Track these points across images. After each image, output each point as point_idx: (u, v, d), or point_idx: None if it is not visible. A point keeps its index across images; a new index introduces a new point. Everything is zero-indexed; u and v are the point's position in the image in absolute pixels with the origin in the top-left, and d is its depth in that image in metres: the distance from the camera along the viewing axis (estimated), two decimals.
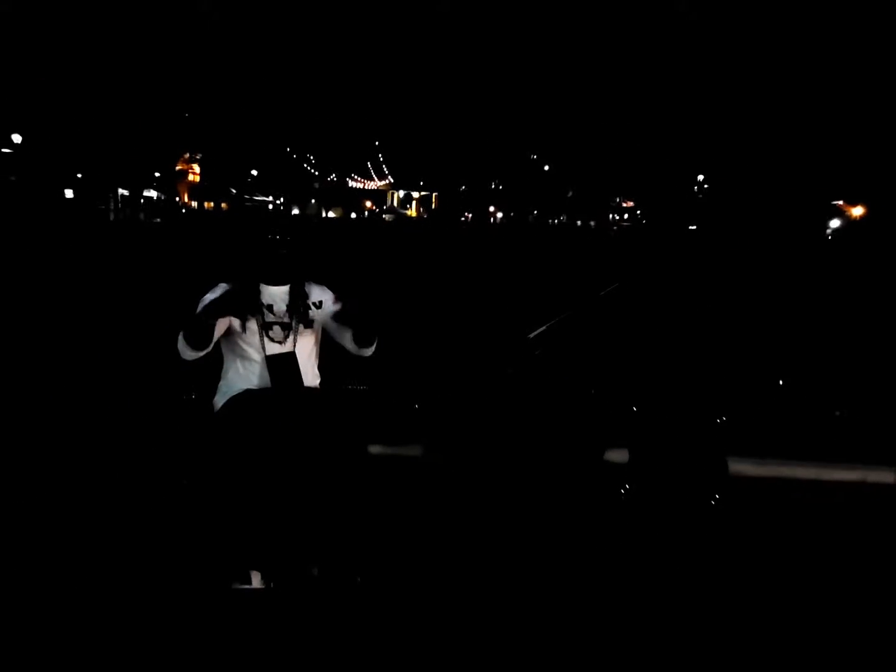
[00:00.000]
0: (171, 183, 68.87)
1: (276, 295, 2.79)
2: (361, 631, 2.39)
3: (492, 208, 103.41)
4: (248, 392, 2.70)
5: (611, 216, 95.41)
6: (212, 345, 2.64)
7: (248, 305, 2.68)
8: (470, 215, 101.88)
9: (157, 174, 62.69)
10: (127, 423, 3.63)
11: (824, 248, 43.18)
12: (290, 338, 2.75)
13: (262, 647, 2.31)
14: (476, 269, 17.52)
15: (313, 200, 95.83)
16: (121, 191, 53.12)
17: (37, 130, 44.48)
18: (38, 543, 2.87)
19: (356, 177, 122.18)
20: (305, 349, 2.80)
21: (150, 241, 27.03)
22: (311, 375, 2.81)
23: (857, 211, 57.22)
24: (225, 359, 2.81)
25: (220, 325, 2.65)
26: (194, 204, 76.19)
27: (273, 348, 2.72)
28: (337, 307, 2.75)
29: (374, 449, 2.87)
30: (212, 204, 76.05)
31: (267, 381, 2.70)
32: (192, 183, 77.49)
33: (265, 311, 2.75)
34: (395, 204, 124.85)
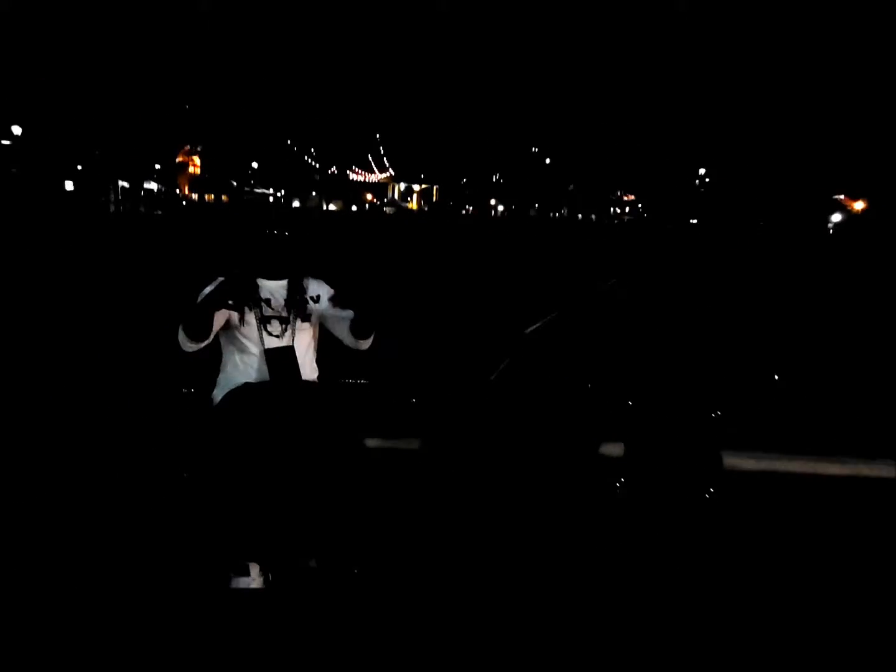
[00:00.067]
0: (172, 175, 68.76)
1: (275, 289, 2.81)
2: (359, 622, 2.41)
3: (493, 201, 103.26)
4: (246, 385, 2.72)
5: (612, 209, 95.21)
6: (211, 337, 2.66)
7: (246, 298, 2.70)
8: (471, 208, 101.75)
9: (157, 166, 62.60)
10: (127, 417, 3.65)
11: (825, 242, 43.08)
12: (288, 332, 2.77)
13: (261, 638, 2.33)
14: (476, 263, 17.51)
15: (314, 193, 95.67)
16: (121, 183, 53.03)
17: (37, 122, 44.39)
18: (39, 536, 2.89)
19: (357, 169, 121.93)
20: (303, 343, 2.82)
21: (150, 233, 27.01)
22: (308, 369, 2.83)
23: (859, 205, 57.10)
24: (224, 352, 2.83)
25: (220, 318, 2.67)
26: (195, 196, 76.11)
27: (271, 342, 2.74)
28: (334, 301, 2.78)
29: (372, 442, 2.89)
30: (212, 196, 75.96)
31: (265, 375, 2.72)
32: (193, 175, 77.39)
33: (263, 305, 2.77)
34: (396, 197, 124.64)
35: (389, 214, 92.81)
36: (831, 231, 56.88)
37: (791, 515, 3.29)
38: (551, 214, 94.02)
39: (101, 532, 2.94)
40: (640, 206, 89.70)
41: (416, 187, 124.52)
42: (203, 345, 2.65)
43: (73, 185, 48.87)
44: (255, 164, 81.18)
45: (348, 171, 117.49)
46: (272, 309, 2.78)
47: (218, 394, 2.77)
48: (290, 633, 2.36)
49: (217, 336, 2.73)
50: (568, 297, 3.78)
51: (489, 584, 2.68)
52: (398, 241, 27.33)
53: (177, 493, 2.91)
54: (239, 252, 2.80)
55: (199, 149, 74.19)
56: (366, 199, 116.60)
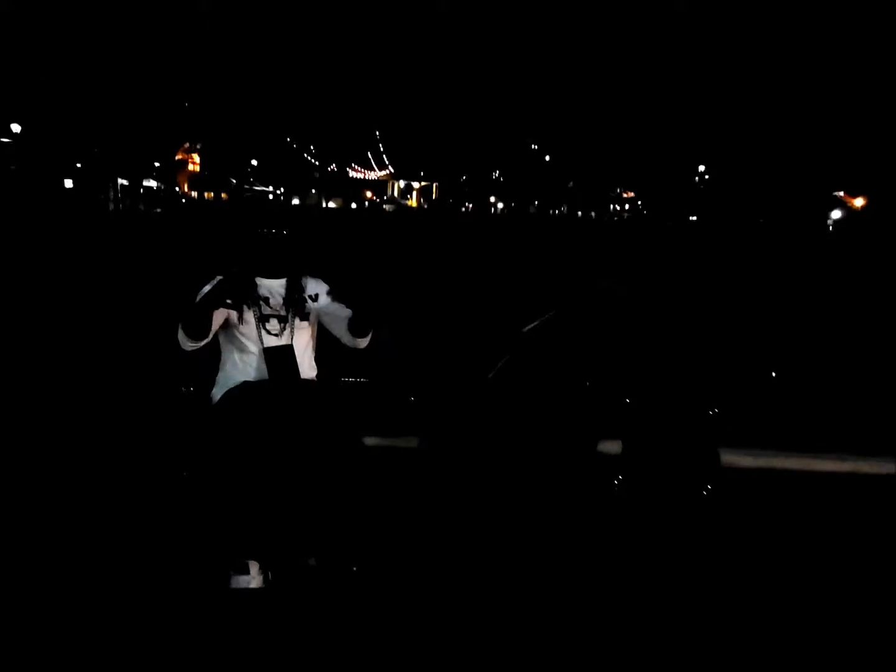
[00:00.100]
0: (171, 173, 68.69)
1: (273, 288, 2.82)
2: (358, 620, 2.42)
3: (492, 198, 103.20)
4: (245, 384, 2.73)
5: (612, 206, 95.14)
6: (210, 335, 2.67)
7: (244, 297, 2.71)
8: (471, 205, 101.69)
9: (156, 164, 62.53)
10: (127, 416, 3.66)
11: (825, 238, 43.07)
12: (287, 330, 2.78)
13: (260, 636, 2.34)
14: (475, 261, 17.51)
15: (313, 190, 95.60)
16: (120, 181, 52.96)
17: (36, 120, 44.33)
18: (39, 535, 2.90)
19: (356, 167, 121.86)
20: (302, 341, 2.83)
21: (150, 231, 27.00)
22: (307, 367, 2.85)
23: (859, 202, 57.06)
24: (223, 351, 2.84)
25: (219, 317, 2.68)
26: (194, 194, 76.06)
27: (270, 341, 2.75)
28: (332, 299, 2.80)
29: (370, 440, 2.90)
30: (212, 194, 75.91)
31: (264, 374, 2.73)
32: (192, 173, 77.36)
33: (262, 304, 2.78)
34: (396, 194, 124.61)
35: (389, 212, 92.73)
36: (831, 228, 56.86)
37: (789, 512, 3.30)
38: (551, 211, 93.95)
39: (101, 530, 2.95)
40: (639, 203, 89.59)
41: (416, 185, 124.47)
42: (202, 343, 2.66)
43: (73, 182, 48.85)
44: (254, 162, 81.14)
45: (348, 169, 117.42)
46: (271, 307, 2.79)
47: (217, 392, 2.78)
48: (289, 631, 2.37)
49: (216, 335, 2.74)
50: (567, 295, 3.78)
51: (488, 582, 2.70)
52: (397, 239, 27.31)
53: (176, 491, 2.92)
54: (237, 251, 2.81)
55: (198, 146, 74.14)
56: (365, 196, 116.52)
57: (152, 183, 63.03)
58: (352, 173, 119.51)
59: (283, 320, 2.78)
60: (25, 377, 4.32)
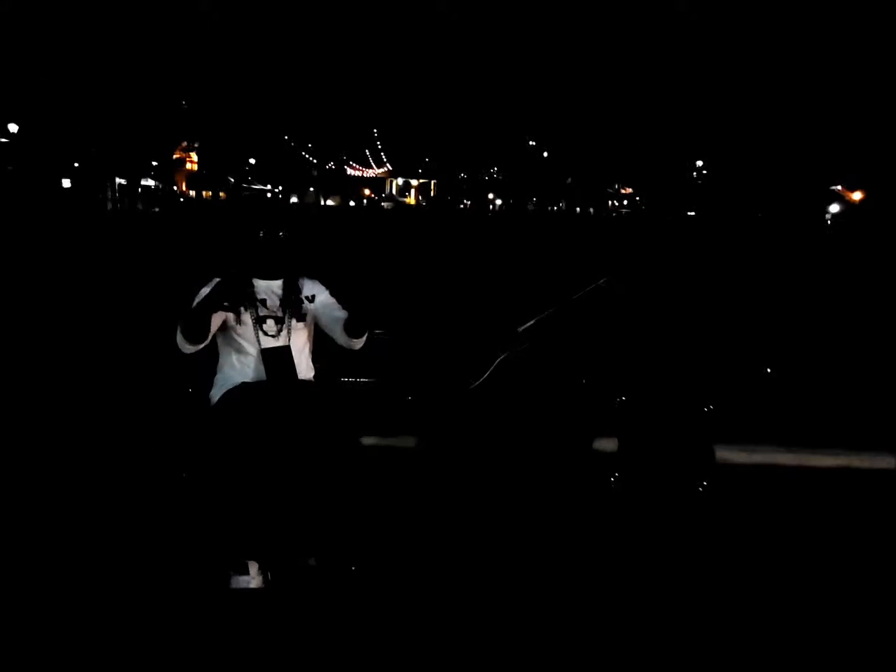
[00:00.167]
0: (169, 172, 68.57)
1: (270, 289, 2.84)
2: (357, 619, 2.44)
3: (491, 196, 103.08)
4: (243, 385, 2.75)
5: (610, 203, 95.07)
6: (209, 338, 2.69)
7: (242, 299, 2.73)
8: (469, 203, 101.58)
9: (154, 163, 62.43)
10: (126, 417, 3.67)
11: (823, 232, 43.03)
12: (284, 331, 2.80)
13: (260, 636, 2.36)
14: (472, 259, 17.50)
15: (311, 189, 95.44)
16: (118, 180, 52.89)
17: (34, 120, 44.25)
18: (38, 536, 2.92)
19: (354, 164, 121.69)
20: (299, 342, 2.85)
21: (148, 230, 26.96)
22: (305, 368, 2.87)
23: (857, 195, 57.03)
24: (221, 352, 2.86)
25: (217, 319, 2.70)
26: (192, 193, 75.93)
27: (267, 342, 2.77)
28: (329, 301, 2.82)
29: (368, 440, 2.92)
30: (210, 193, 75.79)
31: (262, 375, 2.75)
32: (190, 172, 77.24)
33: (259, 306, 2.80)
34: (394, 192, 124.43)
35: (387, 209, 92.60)
36: (829, 222, 56.83)
37: (784, 508, 3.32)
38: (549, 208, 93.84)
39: (100, 531, 2.96)
40: (637, 198, 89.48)
41: (414, 182, 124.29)
42: (201, 347, 2.68)
43: (71, 182, 48.80)
44: (252, 161, 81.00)
45: (346, 167, 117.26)
46: (267, 309, 2.80)
47: (216, 394, 2.80)
48: (289, 631, 2.39)
49: (214, 336, 2.76)
50: (565, 294, 3.80)
51: (486, 580, 2.72)
52: (395, 237, 27.28)
53: (176, 492, 2.94)
54: (234, 252, 2.82)
55: (196, 145, 73.99)
56: (363, 194, 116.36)
57: (150, 182, 62.97)
58: (350, 171, 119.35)
59: (279, 321, 2.80)
60: (24, 379, 4.33)
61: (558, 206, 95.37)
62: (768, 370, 3.82)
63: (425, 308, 7.64)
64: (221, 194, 74.09)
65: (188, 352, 2.68)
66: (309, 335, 2.92)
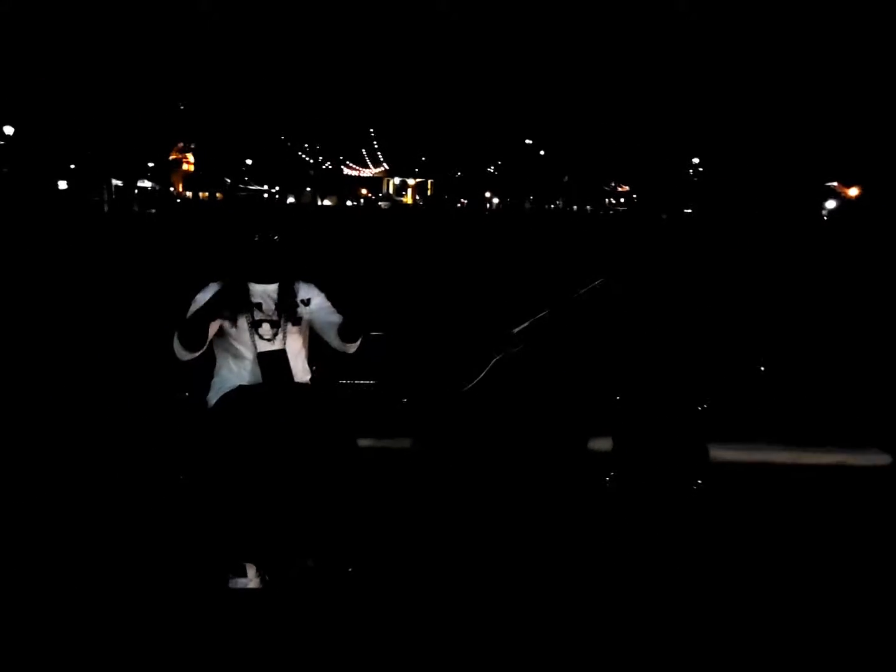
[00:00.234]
0: (166, 173, 68.45)
1: (266, 293, 2.85)
2: (355, 620, 2.46)
3: (488, 194, 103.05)
4: (240, 388, 2.77)
5: (607, 200, 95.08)
6: (206, 345, 2.71)
7: (238, 305, 2.74)
8: (466, 202, 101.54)
9: (151, 164, 62.31)
10: (124, 421, 3.69)
11: (820, 229, 43.08)
12: (280, 335, 2.82)
13: (258, 638, 2.37)
14: (468, 259, 17.50)
15: (308, 189, 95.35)
16: (115, 181, 52.79)
17: (29, 122, 44.16)
18: (37, 540, 2.93)
19: (351, 164, 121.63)
20: (295, 346, 2.87)
21: (144, 232, 26.93)
22: (301, 371, 2.88)
23: (853, 192, 57.07)
24: (217, 356, 2.88)
25: (213, 325, 2.72)
26: (189, 194, 75.81)
27: (263, 345, 2.79)
28: (324, 305, 2.84)
29: (364, 442, 2.93)
30: (206, 194, 75.69)
31: (258, 378, 2.76)
32: (187, 173, 77.09)
33: (254, 310, 2.81)
34: (391, 191, 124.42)
35: (384, 209, 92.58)
36: (826, 218, 56.88)
37: (778, 506, 3.34)
38: (546, 206, 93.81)
39: (99, 534, 2.98)
40: (634, 196, 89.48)
41: (411, 181, 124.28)
42: (198, 353, 2.70)
43: (67, 184, 48.71)
44: (249, 161, 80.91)
45: (342, 167, 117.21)
46: (263, 312, 2.82)
47: (212, 397, 2.82)
48: (286, 632, 2.40)
49: (210, 341, 2.78)
50: (561, 294, 3.81)
51: (482, 581, 2.73)
52: (392, 238, 27.27)
53: (173, 495, 2.95)
54: (230, 256, 2.84)
55: (192, 146, 73.84)
56: (360, 194, 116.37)
57: (147, 183, 62.85)
58: (346, 171, 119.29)
59: (275, 325, 2.82)
60: (21, 382, 4.34)
61: (555, 204, 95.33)
62: (762, 368, 3.84)
63: (420, 309, 7.65)
64: (218, 195, 74.02)
65: (185, 359, 2.70)
66: (304, 339, 2.94)
